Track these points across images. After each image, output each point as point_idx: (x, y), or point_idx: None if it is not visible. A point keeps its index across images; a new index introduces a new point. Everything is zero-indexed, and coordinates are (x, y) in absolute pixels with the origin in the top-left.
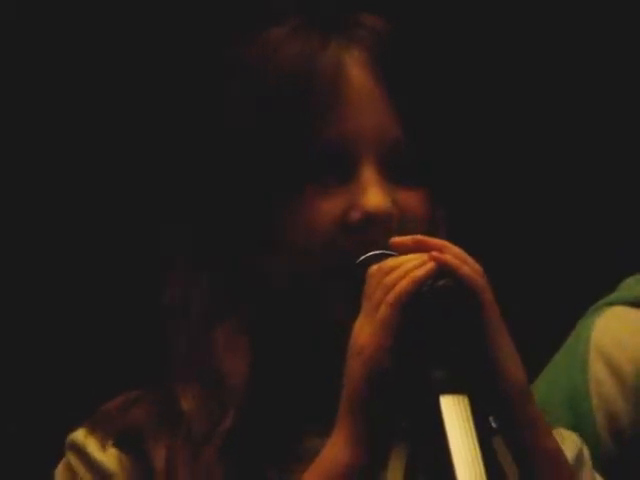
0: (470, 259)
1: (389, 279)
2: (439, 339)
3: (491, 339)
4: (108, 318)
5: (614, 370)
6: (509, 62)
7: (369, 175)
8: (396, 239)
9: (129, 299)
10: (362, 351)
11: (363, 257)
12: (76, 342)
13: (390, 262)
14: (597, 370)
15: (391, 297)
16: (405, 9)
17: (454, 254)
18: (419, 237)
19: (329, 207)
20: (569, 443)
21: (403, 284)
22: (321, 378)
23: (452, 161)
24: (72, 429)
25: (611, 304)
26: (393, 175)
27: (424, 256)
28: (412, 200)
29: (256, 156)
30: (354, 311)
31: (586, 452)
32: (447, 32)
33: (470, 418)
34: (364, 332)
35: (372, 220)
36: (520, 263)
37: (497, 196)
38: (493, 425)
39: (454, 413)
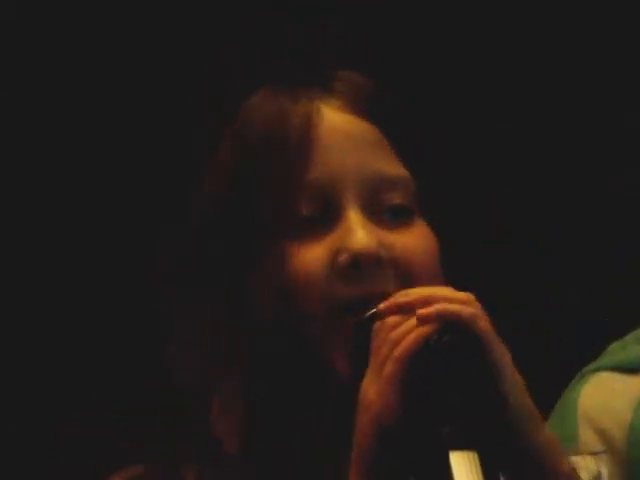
0: (475, 302)
1: (395, 335)
2: (447, 394)
3: (501, 388)
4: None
5: (603, 436)
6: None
7: (353, 216)
8: (381, 305)
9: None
10: (370, 408)
11: (370, 312)
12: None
13: (395, 317)
14: (587, 437)
15: (397, 353)
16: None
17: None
18: (401, 296)
19: (317, 253)
20: (584, 474)
21: (409, 340)
22: (329, 440)
23: (442, 191)
24: None
25: (596, 370)
26: (382, 215)
27: (430, 310)
28: (404, 242)
29: (240, 211)
30: (362, 367)
31: (605, 472)
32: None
33: (480, 474)
34: (372, 389)
35: (360, 261)
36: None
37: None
38: None
39: (464, 469)
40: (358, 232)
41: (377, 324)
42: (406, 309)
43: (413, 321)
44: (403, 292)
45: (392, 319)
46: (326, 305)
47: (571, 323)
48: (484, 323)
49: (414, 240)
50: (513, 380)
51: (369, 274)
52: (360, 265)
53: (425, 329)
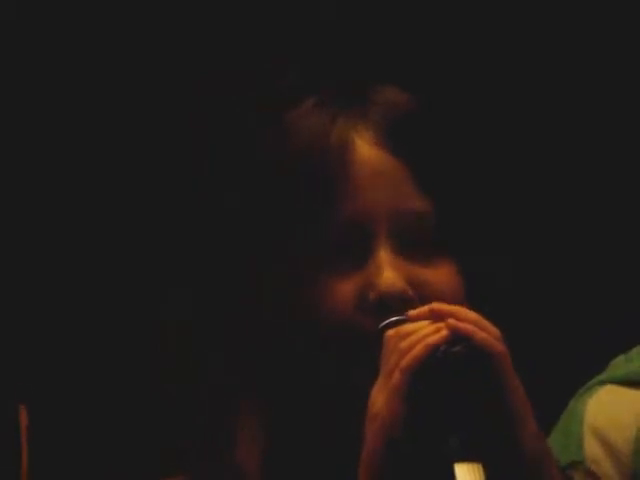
0: (487, 324)
1: (404, 344)
2: (454, 406)
3: (508, 405)
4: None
5: (610, 449)
6: (525, 120)
7: (383, 255)
8: (412, 312)
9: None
10: (377, 417)
11: (384, 322)
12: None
13: (407, 327)
14: (593, 450)
15: (404, 363)
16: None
17: (469, 319)
18: (435, 305)
19: (346, 289)
20: None
21: (416, 350)
22: (351, 461)
23: (476, 229)
24: None
25: (602, 383)
26: (413, 252)
27: (441, 322)
28: (433, 278)
29: (269, 239)
30: (373, 376)
31: None
32: (464, 98)
33: None
34: (379, 398)
35: (387, 301)
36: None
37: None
38: None
39: None
40: (386, 272)
41: (389, 333)
42: (437, 316)
43: (423, 331)
44: (436, 304)
45: (404, 329)
46: (352, 337)
47: (575, 336)
48: (505, 360)
49: (441, 277)
50: (518, 395)
51: (396, 312)
52: (387, 304)
53: (433, 339)
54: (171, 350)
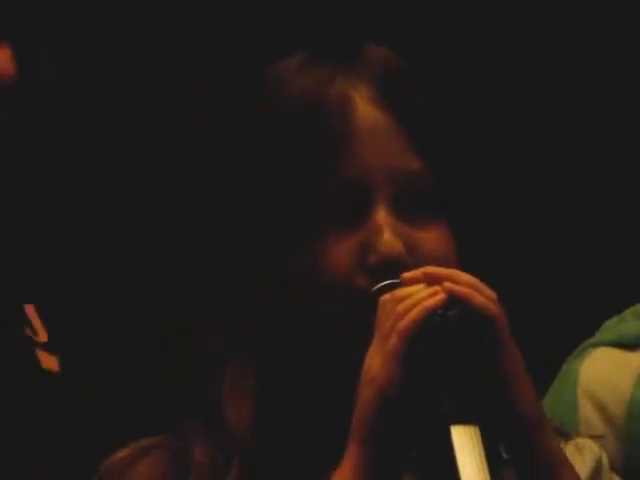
0: (484, 287)
1: (400, 308)
2: (451, 369)
3: (504, 368)
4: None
5: (603, 411)
6: (523, 89)
7: (382, 216)
8: (406, 274)
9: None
10: (373, 381)
11: (377, 286)
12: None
13: (402, 291)
14: (586, 412)
15: (401, 326)
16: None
17: (466, 282)
18: (429, 268)
19: (345, 250)
20: (588, 453)
21: (413, 313)
22: (338, 415)
23: (468, 188)
24: None
25: (596, 345)
26: (408, 213)
27: (437, 286)
28: (427, 241)
29: (267, 200)
30: (367, 340)
31: (605, 460)
32: (455, 58)
33: (481, 448)
34: (375, 362)
35: (388, 264)
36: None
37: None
38: (504, 456)
39: (465, 443)
40: (386, 234)
41: (384, 297)
42: (432, 280)
43: (420, 295)
44: (430, 268)
45: (400, 292)
46: (352, 298)
47: (568, 298)
48: (502, 322)
49: (434, 240)
50: (514, 358)
51: (394, 274)
52: (388, 267)
53: (430, 302)
54: (171, 350)
